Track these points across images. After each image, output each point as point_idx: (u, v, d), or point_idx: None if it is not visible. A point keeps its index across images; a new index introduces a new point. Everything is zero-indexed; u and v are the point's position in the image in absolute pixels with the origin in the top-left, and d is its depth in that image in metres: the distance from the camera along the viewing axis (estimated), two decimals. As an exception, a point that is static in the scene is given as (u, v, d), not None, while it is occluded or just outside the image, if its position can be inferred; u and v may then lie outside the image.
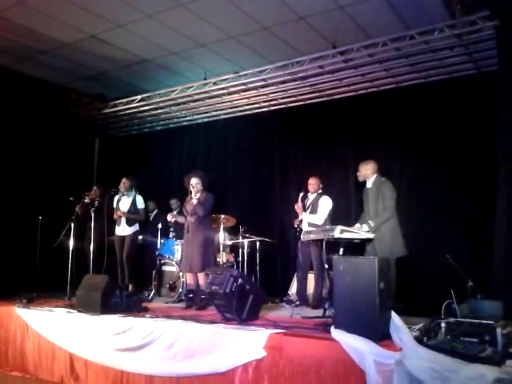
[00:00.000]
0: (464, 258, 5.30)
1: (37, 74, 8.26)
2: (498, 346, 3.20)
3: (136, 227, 7.02)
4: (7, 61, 7.72)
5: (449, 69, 6.56)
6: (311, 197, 6.45)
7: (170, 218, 6.63)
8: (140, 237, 7.36)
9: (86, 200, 7.13)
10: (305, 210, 6.36)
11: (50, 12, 6.26)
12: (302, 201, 6.39)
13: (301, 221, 6.39)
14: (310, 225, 6.18)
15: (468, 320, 3.58)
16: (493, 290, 4.74)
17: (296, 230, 6.57)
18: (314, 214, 6.24)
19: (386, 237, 5.23)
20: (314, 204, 6.31)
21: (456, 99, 6.53)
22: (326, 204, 6.25)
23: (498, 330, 3.25)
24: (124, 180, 7.00)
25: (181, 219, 6.38)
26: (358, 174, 5.71)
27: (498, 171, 5.17)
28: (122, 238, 6.91)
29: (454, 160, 6.43)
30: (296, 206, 6.35)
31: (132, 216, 6.92)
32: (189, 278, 6.05)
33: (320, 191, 6.42)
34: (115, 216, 6.89)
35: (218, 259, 6.90)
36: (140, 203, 7.06)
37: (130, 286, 6.63)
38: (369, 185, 5.61)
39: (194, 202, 5.92)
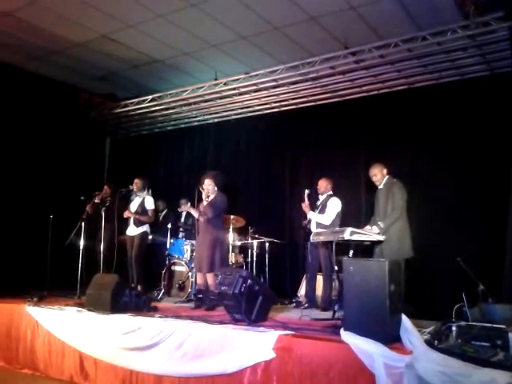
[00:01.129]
0: (475, 261, 5.26)
1: (48, 73, 8.32)
2: (510, 351, 3.17)
3: (144, 228, 6.96)
4: (19, 60, 7.78)
5: (462, 70, 6.51)
6: (321, 198, 6.43)
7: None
8: (150, 237, 7.36)
9: (97, 199, 7.17)
10: (313, 210, 6.34)
11: (61, 12, 6.30)
12: (309, 199, 6.38)
13: (309, 221, 6.37)
14: (318, 225, 6.16)
15: (479, 324, 3.55)
16: (504, 294, 4.71)
17: (305, 230, 6.55)
18: (322, 214, 6.23)
19: (394, 238, 5.18)
20: (324, 205, 6.29)
21: (469, 101, 6.47)
22: (334, 205, 6.22)
23: (510, 335, 3.23)
24: (136, 180, 6.98)
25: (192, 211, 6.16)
26: (373, 179, 5.60)
27: (510, 174, 5.12)
28: (132, 237, 6.91)
29: (467, 162, 6.39)
30: (303, 205, 6.34)
31: (139, 216, 6.87)
32: (198, 278, 6.06)
33: (330, 192, 6.40)
34: (124, 215, 6.89)
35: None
36: (149, 204, 6.98)
37: (139, 286, 6.62)
38: (380, 186, 5.59)
39: (205, 203, 5.92)
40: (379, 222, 5.25)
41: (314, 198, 6.54)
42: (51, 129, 8.65)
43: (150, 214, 6.97)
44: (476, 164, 6.29)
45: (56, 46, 7.30)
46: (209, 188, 5.96)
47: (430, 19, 5.91)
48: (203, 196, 5.95)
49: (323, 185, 6.42)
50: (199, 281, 6.04)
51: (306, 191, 6.39)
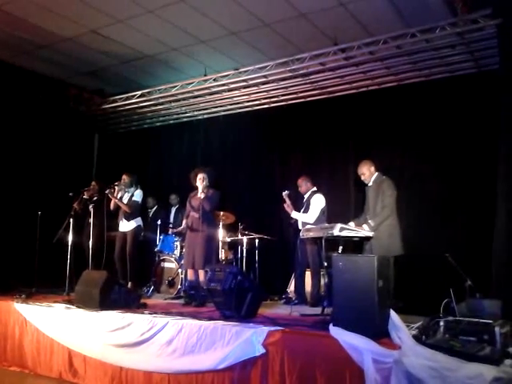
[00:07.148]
0: (463, 256, 5.30)
1: (36, 68, 8.24)
2: (497, 345, 3.20)
3: (138, 222, 6.84)
4: (7, 54, 7.70)
5: (450, 67, 6.54)
6: (305, 196, 6.43)
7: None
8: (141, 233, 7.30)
9: (85, 196, 7.13)
10: (297, 209, 6.33)
11: (50, 6, 6.24)
12: (290, 199, 6.36)
13: (295, 220, 6.38)
14: (304, 223, 6.16)
15: (467, 319, 3.57)
16: (492, 289, 4.74)
17: (293, 227, 6.55)
18: (306, 213, 6.22)
19: (384, 235, 5.22)
20: (308, 203, 6.29)
21: (457, 98, 6.52)
22: (317, 202, 6.21)
23: (497, 329, 3.25)
24: (124, 176, 6.89)
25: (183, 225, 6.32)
26: (362, 177, 5.65)
27: (498, 169, 5.17)
28: (124, 233, 6.78)
29: (455, 158, 6.43)
30: (285, 206, 6.32)
31: (119, 203, 6.70)
32: (190, 274, 6.03)
33: (314, 189, 6.40)
34: (112, 205, 6.73)
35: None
36: (137, 196, 6.85)
37: (130, 283, 6.58)
38: (370, 183, 5.60)
39: (202, 196, 5.85)
40: (369, 221, 5.27)
41: (300, 197, 6.54)
42: (40, 124, 8.58)
43: (131, 204, 6.75)
44: (465, 160, 6.33)
45: (44, 41, 7.22)
46: (205, 182, 5.94)
47: (418, 16, 5.94)
48: (200, 189, 5.88)
49: (302, 184, 6.43)
50: (190, 277, 6.01)
51: (284, 193, 6.36)
